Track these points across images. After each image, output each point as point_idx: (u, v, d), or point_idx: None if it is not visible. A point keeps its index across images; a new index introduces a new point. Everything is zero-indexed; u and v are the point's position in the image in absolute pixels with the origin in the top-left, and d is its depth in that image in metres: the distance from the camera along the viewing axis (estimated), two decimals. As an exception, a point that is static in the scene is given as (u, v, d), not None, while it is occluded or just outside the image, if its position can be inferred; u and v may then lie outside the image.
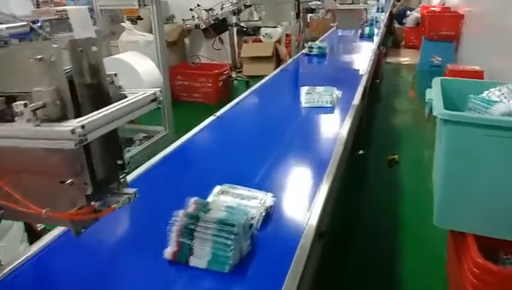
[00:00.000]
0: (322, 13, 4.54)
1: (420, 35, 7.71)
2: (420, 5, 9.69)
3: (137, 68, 3.02)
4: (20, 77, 0.82)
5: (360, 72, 3.35)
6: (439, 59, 6.93)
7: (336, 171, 1.64)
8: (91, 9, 3.33)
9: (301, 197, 1.48)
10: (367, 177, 3.45)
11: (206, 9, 5.05)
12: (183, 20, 5.21)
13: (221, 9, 5.05)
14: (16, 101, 0.77)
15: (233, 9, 5.05)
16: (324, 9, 4.50)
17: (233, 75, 5.35)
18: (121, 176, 0.99)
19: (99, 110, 0.82)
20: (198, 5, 4.99)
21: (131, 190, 0.96)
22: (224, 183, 1.52)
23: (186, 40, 5.99)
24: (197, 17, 4.97)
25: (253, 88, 2.95)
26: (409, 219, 2.78)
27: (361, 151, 3.72)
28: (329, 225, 1.64)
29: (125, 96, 0.95)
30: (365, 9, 4.51)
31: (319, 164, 1.70)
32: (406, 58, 8.26)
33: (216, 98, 5.35)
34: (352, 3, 4.19)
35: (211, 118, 2.38)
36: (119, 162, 0.98)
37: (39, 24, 3.09)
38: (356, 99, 2.59)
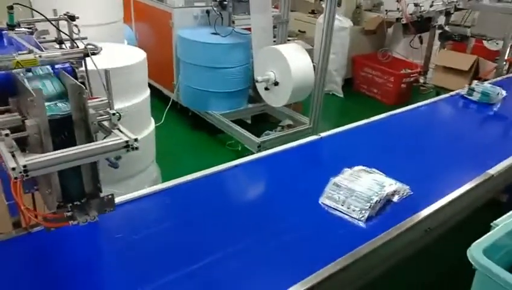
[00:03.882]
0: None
1: None
2: None
3: (290, 64, 3.08)
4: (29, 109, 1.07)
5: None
6: None
7: None
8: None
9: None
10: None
11: (414, 4, 4.62)
12: (386, 10, 4.91)
13: (430, 6, 4.53)
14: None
15: (442, 9, 4.45)
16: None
17: (421, 80, 4.83)
18: (105, 196, 1.20)
19: (56, 152, 1.01)
20: (407, -2, 4.59)
21: (94, 213, 1.16)
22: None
23: (390, 30, 5.64)
24: (401, 11, 4.60)
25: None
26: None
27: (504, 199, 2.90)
28: None
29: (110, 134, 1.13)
30: None
31: None
32: None
33: (394, 99, 4.97)
34: None
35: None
36: (98, 185, 1.18)
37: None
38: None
